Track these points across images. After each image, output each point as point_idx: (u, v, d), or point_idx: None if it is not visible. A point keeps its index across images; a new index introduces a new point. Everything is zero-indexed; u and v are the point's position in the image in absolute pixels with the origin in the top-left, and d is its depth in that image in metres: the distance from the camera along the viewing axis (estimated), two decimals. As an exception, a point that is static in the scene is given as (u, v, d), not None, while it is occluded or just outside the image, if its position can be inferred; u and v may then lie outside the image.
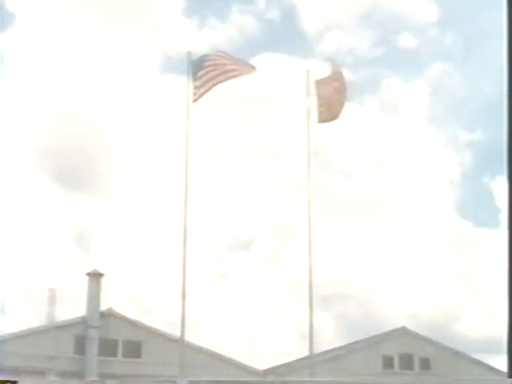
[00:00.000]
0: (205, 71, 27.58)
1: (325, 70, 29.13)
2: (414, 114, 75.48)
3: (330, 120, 28.62)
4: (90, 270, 38.11)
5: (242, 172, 63.40)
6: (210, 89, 27.65)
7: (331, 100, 28.37)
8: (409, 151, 72.82)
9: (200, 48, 30.97)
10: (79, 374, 35.93)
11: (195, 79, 27.82)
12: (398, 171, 72.40)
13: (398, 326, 43.33)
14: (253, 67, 27.29)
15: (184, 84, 28.67)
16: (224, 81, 27.43)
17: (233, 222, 69.42)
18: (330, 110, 28.47)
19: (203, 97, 28.02)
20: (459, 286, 68.31)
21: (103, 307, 37.49)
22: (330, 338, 68.23)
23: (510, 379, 6.49)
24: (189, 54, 27.71)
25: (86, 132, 61.75)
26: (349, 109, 29.31)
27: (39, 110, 69.15)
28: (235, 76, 27.36)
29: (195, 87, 27.77)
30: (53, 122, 66.27)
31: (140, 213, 73.24)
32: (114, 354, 37.04)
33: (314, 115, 28.90)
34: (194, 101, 27.95)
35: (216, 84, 27.64)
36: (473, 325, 71.23)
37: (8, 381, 8.20)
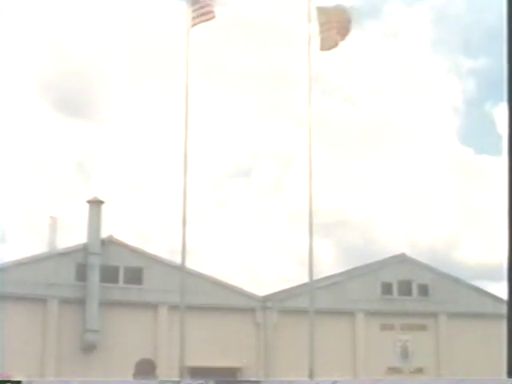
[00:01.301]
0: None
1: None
2: (417, 41, 74.67)
3: (332, 47, 28.26)
4: (90, 197, 38.11)
5: (243, 99, 63.00)
6: (209, 12, 27.24)
7: (333, 27, 27.97)
8: (411, 78, 72.23)
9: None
10: (80, 301, 36.25)
11: (193, 3, 27.43)
12: (400, 98, 71.93)
13: (398, 253, 43.59)
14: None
15: (183, 9, 28.34)
16: (222, 5, 27.06)
17: (233, 149, 69.27)
18: (331, 37, 28.09)
19: (203, 23, 27.65)
20: (459, 214, 68.47)
21: (104, 234, 37.61)
22: (329, 265, 68.70)
23: (510, 379, 6.47)
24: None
25: (86, 61, 61.17)
26: (350, 35, 28.92)
27: (40, 40, 68.44)
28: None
29: (194, 11, 27.40)
30: (53, 52, 65.60)
31: (140, 140, 73.01)
32: (115, 281, 37.29)
33: (316, 42, 28.55)
34: (193, 25, 27.59)
35: (214, 7, 27.23)
36: (472, 252, 71.64)
37: (9, 381, 8.01)
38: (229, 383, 9.75)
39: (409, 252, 45.05)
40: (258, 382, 9.84)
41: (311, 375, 29.38)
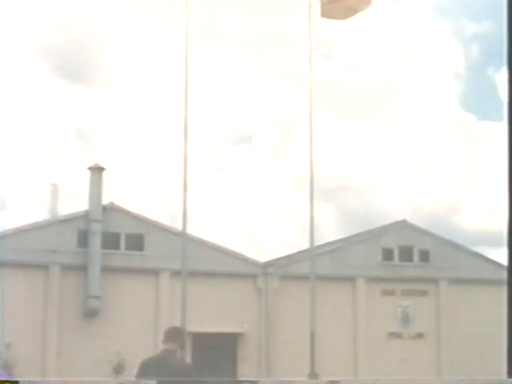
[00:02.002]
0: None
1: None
2: (420, 5, 74.19)
3: (333, 16, 28.07)
4: (91, 164, 38.08)
5: (243, 65, 62.71)
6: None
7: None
8: (413, 43, 71.88)
9: None
10: (82, 268, 36.36)
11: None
12: (402, 63, 71.63)
13: (399, 218, 43.63)
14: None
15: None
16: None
17: (234, 115, 69.13)
18: (332, 3, 27.90)
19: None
20: (461, 180, 68.49)
21: (105, 201, 37.64)
22: (330, 231, 68.86)
23: (510, 379, 6.47)
24: None
25: (86, 27, 60.85)
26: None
27: (40, 6, 67.94)
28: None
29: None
30: (53, 18, 65.25)
31: (141, 106, 72.81)
32: (117, 247, 37.36)
33: (317, 8, 28.39)
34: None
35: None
36: (473, 218, 71.75)
37: (8, 381, 8.04)
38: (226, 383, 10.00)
39: (410, 218, 45.11)
40: (255, 382, 9.85)
41: (312, 340, 29.57)
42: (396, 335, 41.14)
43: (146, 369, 9.47)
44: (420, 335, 41.55)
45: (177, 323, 29.88)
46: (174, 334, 9.63)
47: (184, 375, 9.19)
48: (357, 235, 43.45)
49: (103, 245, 36.73)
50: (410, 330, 41.45)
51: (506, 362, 6.54)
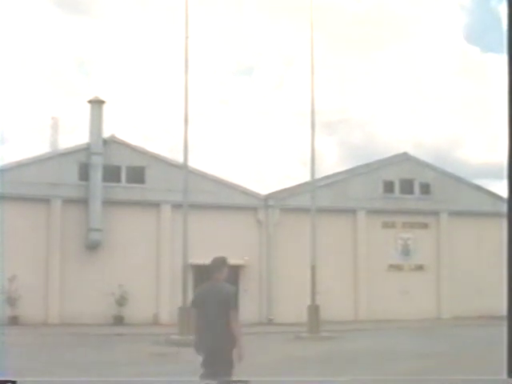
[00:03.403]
0: None
1: None
2: None
3: None
4: (91, 97, 37.88)
5: (244, -4, 61.99)
6: None
7: None
8: (416, -26, 70.83)
9: None
10: (83, 201, 36.44)
11: None
12: (404, -5, 70.72)
13: (400, 151, 43.56)
14: None
15: None
16: None
17: (235, 47, 68.53)
18: None
19: None
20: (462, 113, 68.22)
21: (106, 134, 37.54)
22: (332, 163, 68.91)
23: (510, 379, 6.48)
24: None
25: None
26: None
27: None
28: None
29: None
30: None
31: (142, 39, 72.16)
32: (118, 180, 37.38)
33: None
34: None
35: None
36: (474, 151, 71.72)
37: (8, 381, 8.13)
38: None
39: (412, 151, 45.08)
40: (246, 381, 10.18)
41: (313, 272, 29.76)
42: (396, 267, 41.43)
43: (199, 296, 10.72)
44: (420, 267, 41.85)
45: (178, 255, 30.09)
46: (221, 265, 10.65)
47: (232, 298, 10.47)
48: (358, 168, 43.45)
49: (104, 178, 36.76)
50: (410, 263, 41.74)
51: (506, 361, 6.58)
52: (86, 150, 36.97)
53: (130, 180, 37.59)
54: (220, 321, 10.29)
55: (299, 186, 41.24)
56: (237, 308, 10.62)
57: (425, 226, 42.14)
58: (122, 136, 39.11)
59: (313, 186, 31.16)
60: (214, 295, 10.45)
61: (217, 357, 10.30)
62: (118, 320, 35.60)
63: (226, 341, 10.27)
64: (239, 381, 10.12)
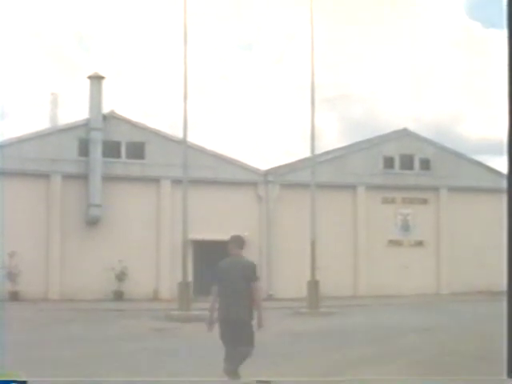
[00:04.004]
0: None
1: None
2: None
3: None
4: (91, 72, 37.76)
5: (244, -30, 61.59)
6: None
7: None
8: None
9: None
10: (83, 176, 36.42)
11: None
12: (404, -31, 70.25)
13: (400, 127, 43.47)
14: None
15: None
16: None
17: (235, 22, 68.19)
18: None
19: None
20: (464, 88, 68.00)
21: (105, 110, 37.45)
22: (332, 139, 68.78)
23: (510, 379, 6.48)
24: None
25: None
26: None
27: None
28: None
29: None
30: None
31: (141, 13, 71.77)
32: (118, 156, 37.34)
33: None
34: None
35: None
36: (474, 126, 71.57)
37: (15, 381, 8.12)
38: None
39: (412, 126, 44.97)
40: (268, 382, 10.46)
41: (313, 247, 29.80)
42: (396, 243, 41.47)
43: (222, 270, 11.36)
44: (420, 243, 41.89)
45: (178, 231, 30.12)
46: (240, 242, 11.56)
47: (253, 271, 11.27)
48: (358, 143, 43.39)
49: (104, 153, 36.73)
50: (409, 238, 41.78)
51: (506, 361, 6.59)
52: (86, 125, 36.92)
53: (129, 155, 37.55)
54: (242, 293, 11.04)
55: (299, 161, 41.19)
56: (258, 280, 11.43)
57: (424, 201, 42.15)
58: (122, 111, 39.07)
59: (313, 162, 31.13)
60: (235, 269, 11.22)
61: (239, 326, 11.00)
62: (118, 295, 35.69)
63: (247, 311, 11.04)
64: (261, 381, 10.34)
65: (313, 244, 29.54)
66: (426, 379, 9.92)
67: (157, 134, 38.15)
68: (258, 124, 74.14)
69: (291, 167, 41.20)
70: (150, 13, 66.19)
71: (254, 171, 39.67)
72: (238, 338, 11.00)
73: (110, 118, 37.32)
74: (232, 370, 11.10)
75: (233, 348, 11.03)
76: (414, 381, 9.79)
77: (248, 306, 11.07)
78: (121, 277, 35.87)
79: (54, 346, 16.89)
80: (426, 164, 42.24)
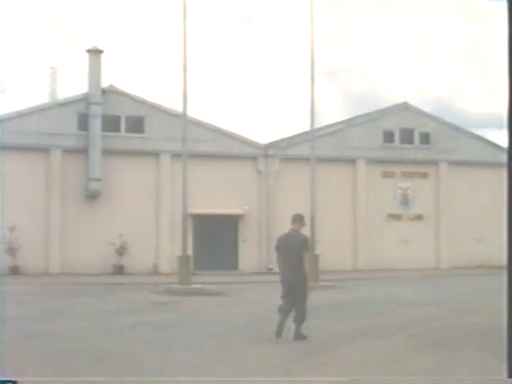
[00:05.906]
0: None
1: None
2: None
3: None
4: (89, 46, 37.60)
5: None
6: None
7: None
8: None
9: None
10: (83, 150, 36.40)
11: None
12: None
13: (400, 101, 43.38)
14: None
15: None
16: None
17: (234, -4, 67.81)
18: None
19: None
20: (464, 62, 67.81)
21: (104, 84, 37.35)
22: (332, 113, 68.68)
23: (510, 379, 6.49)
24: None
25: None
26: None
27: None
28: None
29: None
30: None
31: (139, -14, 71.40)
32: (117, 130, 37.30)
33: None
34: None
35: None
36: (474, 101, 71.45)
37: (8, 381, 8.19)
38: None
39: (412, 100, 44.89)
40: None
41: (312, 222, 29.78)
42: (395, 217, 41.54)
43: (281, 242, 13.89)
44: (419, 217, 41.95)
45: (178, 205, 30.14)
46: (299, 218, 14.02)
47: (306, 243, 13.82)
48: (358, 117, 43.31)
49: (103, 127, 36.68)
50: (409, 212, 41.85)
51: (506, 361, 6.60)
52: (85, 99, 36.84)
53: (129, 130, 37.51)
54: (297, 260, 13.45)
55: (299, 135, 41.15)
56: (309, 251, 14.06)
57: (424, 175, 42.16)
58: (121, 86, 38.99)
59: (313, 136, 31.07)
60: (292, 241, 13.64)
61: (295, 288, 13.47)
62: (118, 269, 35.80)
63: (301, 276, 13.44)
64: (299, 335, 13.35)
65: (312, 218, 29.51)
66: (426, 379, 9.97)
67: (156, 108, 38.09)
68: (257, 98, 74.03)
69: (291, 141, 41.16)
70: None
71: (254, 145, 39.65)
72: (294, 295, 13.43)
73: (110, 92, 37.24)
74: (296, 329, 13.42)
75: (292, 305, 13.46)
76: (414, 381, 9.84)
77: (302, 271, 13.40)
78: (121, 251, 35.96)
79: (54, 320, 16.94)
80: (425, 138, 42.21)
